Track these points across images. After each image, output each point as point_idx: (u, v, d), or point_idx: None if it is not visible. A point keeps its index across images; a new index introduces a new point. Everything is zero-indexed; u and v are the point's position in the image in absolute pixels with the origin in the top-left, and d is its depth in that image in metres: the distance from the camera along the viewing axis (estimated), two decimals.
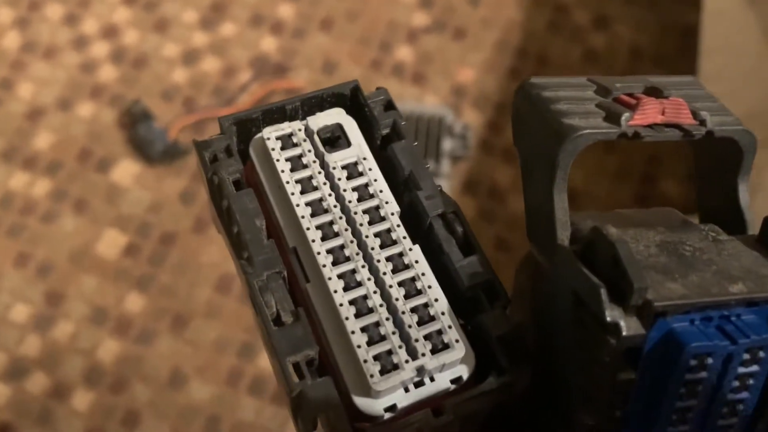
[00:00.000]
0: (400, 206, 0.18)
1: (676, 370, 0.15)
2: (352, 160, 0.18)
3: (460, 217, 0.18)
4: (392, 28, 0.73)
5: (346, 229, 0.17)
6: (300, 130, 0.19)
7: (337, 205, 0.18)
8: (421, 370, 0.16)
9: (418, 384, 0.16)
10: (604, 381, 0.15)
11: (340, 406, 0.16)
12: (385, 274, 0.17)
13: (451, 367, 0.17)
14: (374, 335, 0.16)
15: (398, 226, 0.18)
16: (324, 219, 0.17)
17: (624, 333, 0.15)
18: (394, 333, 0.16)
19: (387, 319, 0.16)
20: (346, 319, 0.16)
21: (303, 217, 0.17)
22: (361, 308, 0.17)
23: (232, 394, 0.59)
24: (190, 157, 0.66)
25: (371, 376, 0.16)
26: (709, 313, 0.15)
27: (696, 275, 0.16)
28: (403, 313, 0.17)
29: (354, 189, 0.18)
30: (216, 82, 0.70)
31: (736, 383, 0.15)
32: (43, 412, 0.58)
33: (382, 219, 0.18)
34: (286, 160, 0.18)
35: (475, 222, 0.64)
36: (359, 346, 0.16)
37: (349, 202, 0.18)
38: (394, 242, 0.17)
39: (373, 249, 0.17)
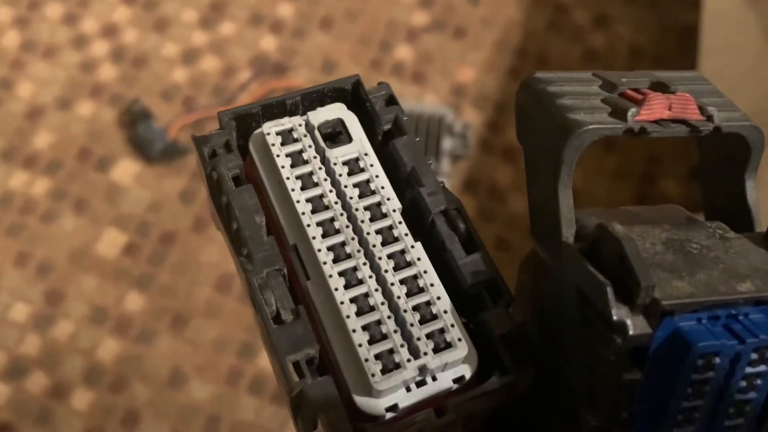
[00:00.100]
0: (401, 203, 0.18)
1: (682, 369, 0.15)
2: (354, 155, 0.18)
3: (463, 214, 0.18)
4: (392, 28, 0.72)
5: (347, 226, 0.17)
6: (300, 125, 0.18)
7: (338, 201, 0.17)
8: (423, 370, 0.16)
9: (420, 383, 0.16)
10: (610, 381, 0.15)
11: (340, 406, 0.16)
12: (386, 271, 0.17)
13: (453, 367, 0.16)
14: (375, 334, 0.16)
15: (400, 222, 0.17)
16: (325, 215, 0.17)
17: (630, 332, 0.14)
18: (395, 331, 0.16)
19: (388, 317, 0.16)
20: (347, 317, 0.16)
21: (303, 213, 0.17)
22: (362, 306, 0.16)
23: (232, 394, 0.59)
24: (189, 156, 0.65)
25: (372, 375, 0.15)
26: (717, 312, 0.15)
27: (703, 273, 0.15)
28: (405, 311, 0.16)
29: (355, 185, 0.18)
30: (215, 81, 0.70)
31: (744, 383, 0.15)
32: (42, 411, 0.58)
33: (384, 216, 0.17)
34: (287, 155, 0.18)
35: (475, 221, 0.64)
36: (360, 345, 0.16)
37: (350, 198, 0.17)
38: (396, 239, 0.17)
39: (374, 246, 0.17)
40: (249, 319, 0.58)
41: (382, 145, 0.19)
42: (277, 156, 0.18)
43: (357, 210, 0.17)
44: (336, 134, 0.18)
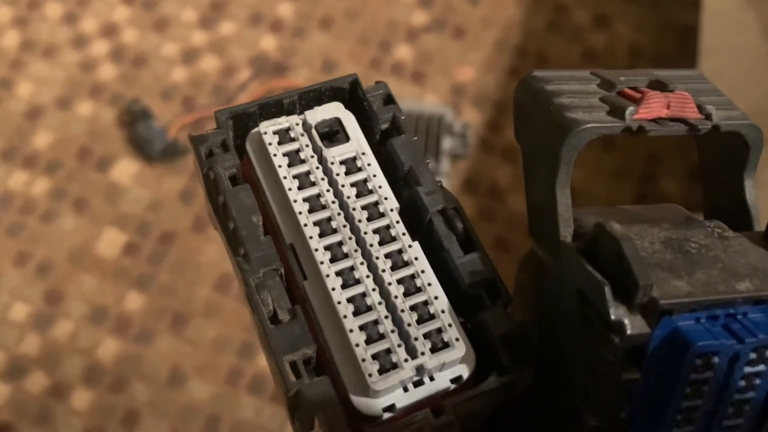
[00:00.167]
0: (399, 202, 0.18)
1: (681, 369, 0.15)
2: (351, 155, 0.18)
3: (461, 213, 0.18)
4: (392, 27, 0.72)
5: (345, 226, 0.17)
6: (298, 124, 0.18)
7: (336, 200, 0.17)
8: (420, 370, 0.16)
9: (418, 383, 0.16)
10: (608, 380, 0.15)
11: (337, 406, 0.15)
12: (384, 271, 0.17)
13: (451, 366, 0.16)
14: (373, 333, 0.16)
15: (397, 222, 0.17)
16: (322, 215, 0.17)
17: (628, 332, 0.14)
18: (393, 331, 0.16)
19: (386, 317, 0.16)
20: (344, 317, 0.16)
21: (300, 213, 0.17)
22: (360, 306, 0.16)
23: (232, 394, 0.59)
24: (189, 156, 0.65)
25: (370, 375, 0.15)
26: (716, 311, 0.15)
27: (702, 273, 0.15)
28: (403, 311, 0.16)
29: (353, 184, 0.18)
30: (215, 81, 0.70)
31: (743, 383, 0.15)
32: (42, 411, 0.58)
33: (381, 215, 0.17)
34: (284, 155, 0.18)
35: (474, 221, 0.64)
36: (357, 345, 0.16)
37: (348, 197, 0.17)
38: (394, 239, 0.17)
39: (371, 246, 0.17)
40: (248, 318, 0.58)
41: (380, 145, 0.19)
42: (274, 155, 0.18)
43: (354, 209, 0.17)
44: (333, 133, 0.18)
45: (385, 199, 0.18)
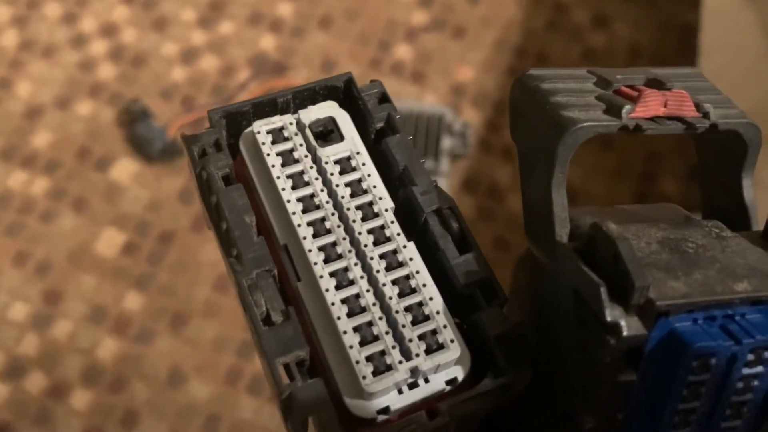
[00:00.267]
0: (394, 202, 0.18)
1: (678, 370, 0.14)
2: (345, 154, 0.18)
3: (456, 213, 0.18)
4: (391, 27, 0.72)
5: (339, 226, 0.17)
6: (291, 123, 0.18)
7: (330, 200, 0.17)
8: (415, 371, 0.16)
9: (412, 385, 0.16)
10: (605, 382, 0.15)
11: (331, 409, 0.15)
12: (378, 272, 0.16)
13: (446, 368, 0.16)
14: (367, 335, 0.16)
15: (392, 222, 0.17)
16: (316, 215, 0.17)
17: (625, 333, 0.14)
18: (387, 333, 0.16)
19: (380, 318, 0.16)
20: (338, 318, 0.16)
21: (294, 213, 0.17)
22: (354, 307, 0.16)
23: (231, 394, 0.59)
24: None
25: (364, 377, 0.15)
26: (713, 312, 0.15)
27: (699, 273, 0.15)
28: (397, 312, 0.16)
29: (347, 184, 0.17)
30: (215, 80, 0.70)
31: (741, 384, 0.15)
32: (41, 411, 0.58)
33: (376, 215, 0.17)
34: (277, 154, 0.18)
35: (474, 221, 0.64)
36: (351, 347, 0.16)
37: (342, 197, 0.17)
38: (388, 239, 0.17)
39: (366, 246, 0.17)
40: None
41: (375, 144, 0.19)
42: (268, 155, 0.18)
43: (348, 209, 0.17)
44: (327, 133, 0.18)
45: (380, 199, 0.17)
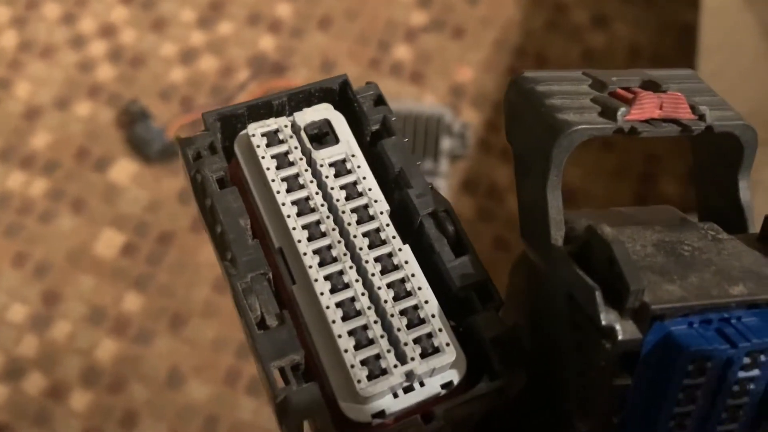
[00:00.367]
0: (389, 205, 0.18)
1: (674, 374, 0.14)
2: (340, 157, 0.18)
3: (452, 215, 0.18)
4: (391, 27, 0.72)
5: (334, 229, 0.17)
6: (286, 126, 0.18)
7: (325, 203, 0.17)
8: (410, 375, 0.16)
9: (408, 389, 0.16)
10: (600, 386, 0.15)
11: (326, 413, 0.15)
12: (373, 275, 0.16)
13: (441, 372, 0.16)
14: (362, 339, 0.16)
15: (387, 225, 0.17)
16: (311, 218, 0.17)
17: (620, 337, 0.14)
18: (382, 336, 0.16)
19: (375, 322, 0.16)
20: (333, 322, 0.16)
21: (289, 216, 0.17)
22: (349, 311, 0.16)
23: (231, 394, 0.59)
24: None
25: (358, 381, 0.15)
26: (709, 315, 0.15)
27: (695, 276, 0.15)
28: (392, 315, 0.16)
29: (342, 187, 0.17)
30: (214, 81, 0.70)
31: (737, 388, 0.15)
32: (40, 412, 0.58)
33: (371, 218, 0.17)
34: (272, 157, 0.18)
35: (473, 221, 0.64)
36: (346, 351, 0.16)
37: (337, 200, 0.17)
38: (383, 242, 0.17)
39: (361, 249, 0.17)
40: None
41: (370, 146, 0.19)
42: (263, 158, 0.17)
43: (344, 212, 0.17)
44: (323, 135, 0.18)
45: (375, 201, 0.17)
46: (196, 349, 0.60)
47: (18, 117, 0.68)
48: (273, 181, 0.17)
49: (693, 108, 0.16)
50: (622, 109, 0.16)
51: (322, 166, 0.18)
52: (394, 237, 0.17)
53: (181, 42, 0.71)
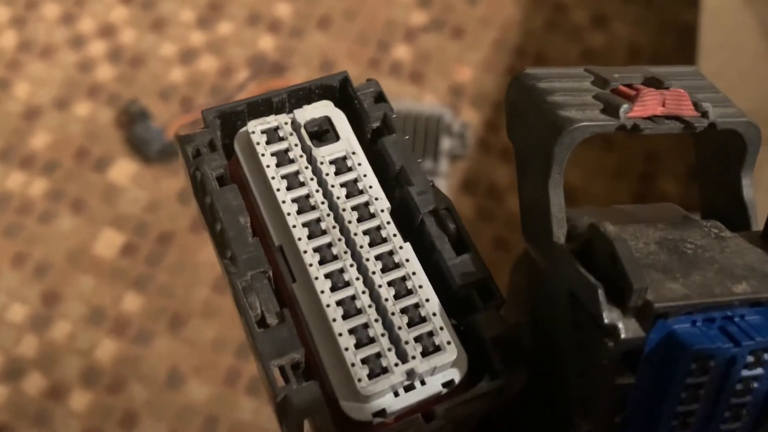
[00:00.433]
0: (390, 202, 0.17)
1: (677, 373, 0.14)
2: (341, 154, 0.18)
3: (453, 213, 0.18)
4: (390, 27, 0.72)
5: (334, 227, 0.17)
6: (286, 123, 0.18)
7: (325, 201, 0.17)
8: (411, 374, 0.16)
9: (408, 388, 0.16)
10: (602, 385, 0.15)
11: (326, 411, 0.15)
12: (374, 273, 0.16)
13: (442, 370, 0.16)
14: (362, 337, 0.16)
15: (388, 223, 0.17)
16: (311, 216, 0.17)
17: (622, 336, 0.14)
18: (383, 335, 0.16)
19: (376, 320, 0.16)
20: (334, 320, 0.16)
21: (289, 214, 0.17)
22: (349, 309, 0.16)
23: (230, 394, 0.59)
24: None
25: (359, 380, 0.15)
26: (712, 314, 0.14)
27: (698, 274, 0.15)
28: (393, 314, 0.16)
29: (342, 185, 0.17)
30: (213, 81, 0.70)
31: (740, 386, 0.15)
32: (40, 412, 0.58)
33: (372, 216, 0.17)
34: (272, 154, 0.17)
35: (473, 221, 0.64)
36: (347, 349, 0.15)
37: (337, 198, 0.17)
38: (384, 240, 0.17)
39: (362, 247, 0.17)
40: None
41: (371, 144, 0.18)
42: (263, 155, 0.17)
43: (344, 210, 0.17)
44: (323, 132, 0.18)
45: (376, 199, 0.17)
46: (195, 350, 0.60)
47: (17, 117, 0.68)
48: (273, 178, 0.17)
49: (696, 105, 0.16)
50: (625, 106, 0.16)
51: (322, 163, 0.17)
52: (394, 235, 0.17)
53: (180, 42, 0.71)
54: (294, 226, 0.17)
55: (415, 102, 0.68)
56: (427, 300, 0.16)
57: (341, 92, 0.19)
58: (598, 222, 0.15)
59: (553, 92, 0.16)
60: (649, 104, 0.16)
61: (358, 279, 0.16)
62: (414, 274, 0.16)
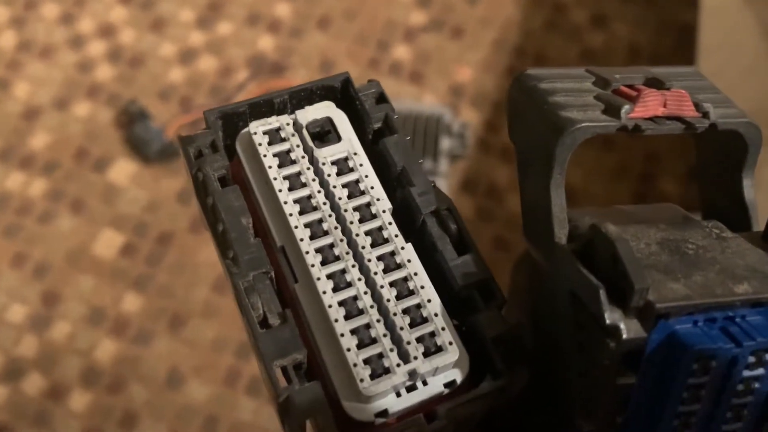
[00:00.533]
0: (392, 203, 0.17)
1: (678, 373, 0.14)
2: (343, 155, 0.18)
3: (455, 214, 0.18)
4: (390, 27, 0.72)
5: (336, 227, 0.17)
6: (288, 124, 0.18)
7: (327, 202, 0.17)
8: (413, 374, 0.16)
9: (411, 388, 0.16)
10: (604, 385, 0.15)
11: (328, 412, 0.15)
12: (376, 273, 0.16)
13: (444, 371, 0.16)
14: (365, 338, 0.16)
15: (390, 223, 0.17)
16: (313, 217, 0.17)
17: (624, 336, 0.14)
18: (385, 335, 0.16)
19: (378, 321, 0.16)
20: (336, 321, 0.16)
21: (291, 214, 0.17)
22: (351, 310, 0.16)
23: (230, 394, 0.59)
24: None
25: (361, 380, 0.15)
26: (713, 314, 0.15)
27: (699, 275, 0.15)
28: (395, 314, 0.16)
29: (344, 185, 0.17)
30: (213, 81, 0.70)
31: (741, 387, 0.15)
32: (40, 413, 0.58)
33: (374, 216, 0.17)
34: (274, 155, 0.17)
35: (473, 221, 0.64)
36: (349, 350, 0.15)
37: (339, 199, 0.17)
38: (386, 240, 0.17)
39: (363, 248, 0.17)
40: None
41: (372, 144, 0.18)
42: (264, 156, 0.17)
43: (346, 211, 0.17)
44: (325, 133, 0.18)
45: (378, 200, 0.17)
46: (195, 350, 0.60)
47: (17, 117, 0.68)
48: (275, 179, 0.17)
49: (697, 105, 0.16)
50: (626, 107, 0.16)
51: (324, 164, 0.17)
52: (396, 235, 0.17)
53: (180, 42, 0.71)
54: (296, 227, 0.17)
55: (414, 102, 0.68)
56: (429, 300, 0.16)
57: (343, 93, 0.19)
58: (600, 222, 0.15)
59: (555, 93, 0.16)
60: (650, 105, 0.16)
61: (360, 280, 0.16)
62: (416, 274, 0.16)
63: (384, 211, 0.17)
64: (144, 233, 0.64)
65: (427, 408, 0.16)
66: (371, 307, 0.16)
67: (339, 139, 0.18)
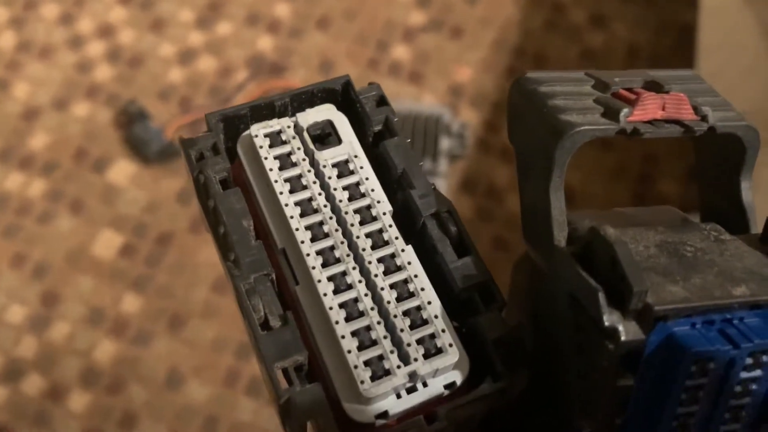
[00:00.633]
0: (392, 205, 0.18)
1: (676, 375, 0.14)
2: (343, 158, 0.18)
3: (455, 216, 0.18)
4: (389, 27, 0.72)
5: (337, 230, 0.17)
6: (289, 127, 0.18)
7: (327, 204, 0.17)
8: (413, 376, 0.16)
9: (411, 390, 0.16)
10: (603, 387, 0.15)
11: (329, 413, 0.15)
12: (376, 276, 0.16)
13: (444, 372, 0.16)
14: (365, 340, 0.16)
15: (390, 226, 0.17)
16: (313, 219, 0.17)
17: (623, 338, 0.14)
18: (385, 337, 0.16)
19: (378, 322, 0.16)
20: (336, 323, 0.16)
21: (292, 217, 0.17)
22: (352, 312, 0.16)
23: (230, 395, 0.59)
24: None
25: (362, 382, 0.15)
26: (711, 316, 0.15)
27: (698, 277, 0.15)
28: (395, 316, 0.16)
29: (345, 188, 0.17)
30: (212, 81, 0.70)
31: (739, 388, 0.15)
32: (39, 413, 0.58)
33: (374, 219, 0.17)
34: (275, 158, 0.18)
35: (473, 221, 0.64)
36: (349, 351, 0.16)
37: (340, 201, 0.17)
38: (386, 243, 0.17)
39: (364, 250, 0.17)
40: None
41: (373, 147, 0.19)
42: (265, 158, 0.17)
43: (346, 213, 0.17)
44: (325, 136, 0.18)
45: (378, 202, 0.17)
46: (195, 350, 0.60)
47: (16, 118, 0.68)
48: (276, 182, 0.17)
49: (695, 109, 0.16)
50: (625, 110, 0.16)
51: (324, 166, 0.18)
52: (396, 238, 0.17)
53: (179, 42, 0.71)
54: (297, 229, 0.17)
55: (414, 102, 0.68)
56: (429, 302, 0.16)
57: (343, 96, 0.19)
58: (599, 225, 0.15)
59: (554, 96, 0.16)
60: (649, 108, 0.16)
61: (360, 282, 0.16)
62: (416, 276, 0.17)
63: (384, 214, 0.17)
64: (143, 233, 0.64)
65: (428, 409, 0.16)
66: (372, 309, 0.16)
67: (340, 141, 0.18)
